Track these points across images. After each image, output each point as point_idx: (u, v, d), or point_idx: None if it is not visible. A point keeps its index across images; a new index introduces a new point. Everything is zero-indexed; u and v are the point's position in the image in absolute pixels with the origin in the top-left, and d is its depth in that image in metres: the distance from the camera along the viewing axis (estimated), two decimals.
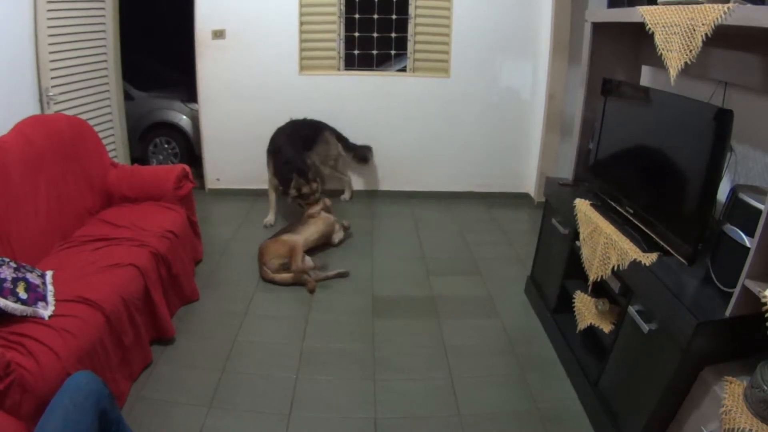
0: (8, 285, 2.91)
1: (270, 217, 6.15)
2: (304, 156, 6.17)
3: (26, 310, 2.91)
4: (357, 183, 7.16)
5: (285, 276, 4.76)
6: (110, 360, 3.21)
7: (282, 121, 6.42)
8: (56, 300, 3.12)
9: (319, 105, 6.64)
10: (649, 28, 2.98)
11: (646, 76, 4.20)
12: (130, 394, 3.38)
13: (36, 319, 2.92)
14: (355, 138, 6.76)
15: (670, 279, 2.72)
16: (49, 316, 2.97)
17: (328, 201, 5.83)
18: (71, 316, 3.03)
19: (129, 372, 3.44)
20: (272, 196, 6.25)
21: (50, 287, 3.21)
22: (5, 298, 2.84)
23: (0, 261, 3.02)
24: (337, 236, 5.73)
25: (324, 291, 4.74)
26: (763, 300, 2.11)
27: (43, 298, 3.05)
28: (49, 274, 3.36)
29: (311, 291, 4.68)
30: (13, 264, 3.09)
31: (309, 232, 5.31)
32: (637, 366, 2.92)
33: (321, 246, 5.55)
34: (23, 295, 2.94)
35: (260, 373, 3.69)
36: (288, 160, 5.94)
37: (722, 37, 2.63)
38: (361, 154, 6.87)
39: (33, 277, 3.12)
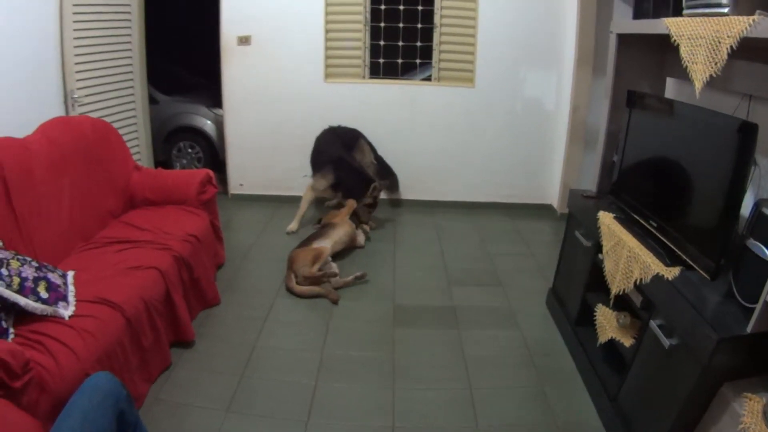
0: (29, 284, 2.93)
1: (294, 225, 6.14)
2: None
3: (47, 309, 2.93)
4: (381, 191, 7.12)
5: (304, 289, 4.75)
6: (129, 361, 3.23)
7: (309, 128, 6.42)
8: (77, 300, 3.14)
9: (344, 113, 6.65)
10: (674, 40, 2.96)
11: (671, 89, 4.17)
12: (148, 396, 3.40)
13: (56, 319, 2.95)
14: (381, 147, 6.74)
15: (692, 294, 2.70)
16: (70, 316, 3.00)
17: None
18: (91, 316, 3.05)
19: (147, 374, 3.46)
20: (305, 205, 6.20)
21: (71, 287, 3.24)
22: (26, 296, 2.87)
23: (22, 260, 3.04)
24: (361, 238, 5.81)
25: (345, 298, 4.73)
26: None
27: (64, 298, 3.07)
28: (70, 274, 3.38)
29: (335, 302, 4.68)
30: (35, 263, 3.12)
31: (338, 236, 5.36)
32: (657, 381, 2.89)
33: (346, 251, 5.58)
34: (44, 294, 2.97)
35: (279, 379, 3.69)
36: (357, 170, 6.10)
37: (747, 50, 2.61)
38: (387, 176, 6.91)
39: (54, 277, 3.14)
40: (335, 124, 6.56)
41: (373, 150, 6.71)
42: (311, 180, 6.18)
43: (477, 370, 3.87)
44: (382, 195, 7.01)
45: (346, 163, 6.08)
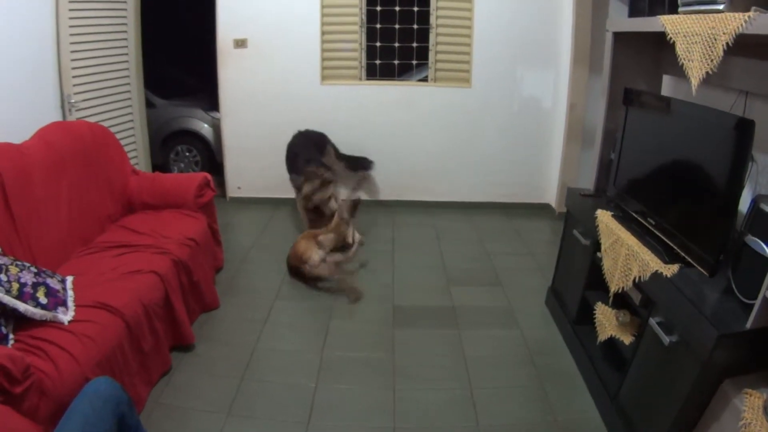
0: (29, 289, 2.93)
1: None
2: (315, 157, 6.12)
3: (46, 314, 2.93)
4: (379, 192, 7.19)
5: (327, 268, 4.83)
6: (129, 366, 3.22)
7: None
8: (76, 305, 3.14)
9: (340, 115, 6.65)
10: (670, 38, 2.96)
11: (667, 86, 4.18)
12: (148, 400, 3.40)
13: (56, 324, 2.95)
14: (379, 148, 6.76)
15: (691, 290, 2.70)
16: (69, 321, 3.00)
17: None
18: (91, 321, 3.04)
19: (148, 378, 3.45)
20: (306, 220, 6.09)
21: (70, 292, 3.23)
22: (25, 302, 2.87)
23: (21, 266, 3.04)
24: (350, 233, 5.70)
25: (344, 300, 4.74)
26: None
27: (63, 303, 3.07)
28: (69, 279, 3.38)
29: (356, 300, 4.75)
30: (33, 269, 3.11)
31: (328, 238, 5.34)
32: (657, 378, 2.89)
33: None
34: (43, 299, 2.96)
35: (279, 381, 3.70)
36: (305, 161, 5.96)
37: (743, 47, 2.61)
38: (356, 164, 6.85)
39: (53, 282, 3.14)
40: (311, 128, 6.50)
41: (336, 150, 6.67)
42: (296, 194, 6.11)
43: (477, 370, 3.87)
44: (379, 195, 7.01)
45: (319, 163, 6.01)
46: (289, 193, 6.32)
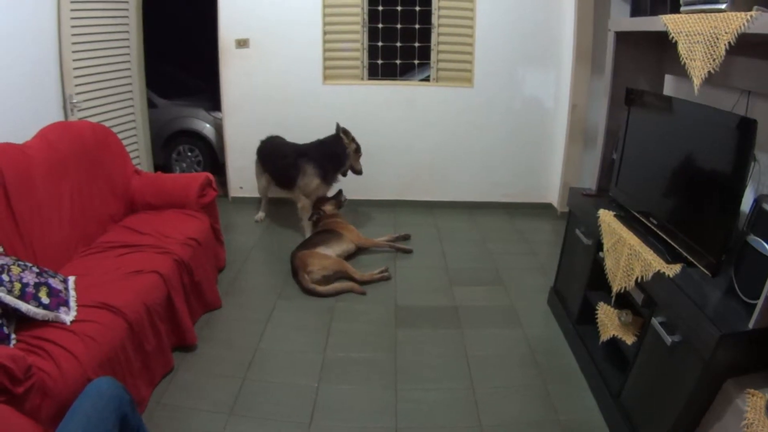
0: (31, 290, 2.93)
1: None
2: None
3: (48, 314, 2.93)
4: (381, 192, 7.18)
5: (329, 288, 4.84)
6: (131, 366, 3.22)
7: (309, 130, 6.31)
8: (78, 305, 3.14)
9: (342, 114, 6.59)
10: (672, 37, 2.96)
11: (669, 86, 4.17)
12: (150, 400, 3.40)
13: (58, 324, 2.95)
14: (380, 148, 6.75)
15: (694, 290, 2.69)
16: (71, 322, 3.00)
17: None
18: (93, 321, 3.05)
19: (150, 378, 3.45)
20: (307, 225, 6.04)
21: (72, 293, 3.23)
22: (27, 302, 2.87)
23: (23, 266, 3.04)
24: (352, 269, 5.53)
25: (347, 300, 4.75)
26: None
27: (66, 303, 3.07)
28: (71, 279, 3.38)
29: (363, 293, 4.88)
30: (35, 269, 3.12)
31: (341, 249, 5.39)
32: (660, 378, 2.89)
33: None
34: (45, 300, 2.96)
35: (281, 381, 3.69)
36: (329, 154, 6.05)
37: (745, 46, 2.61)
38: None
39: (55, 283, 3.14)
40: (263, 137, 6.48)
41: None
42: (298, 194, 6.08)
43: (479, 370, 3.86)
44: (381, 195, 7.05)
45: (316, 152, 6.03)
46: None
